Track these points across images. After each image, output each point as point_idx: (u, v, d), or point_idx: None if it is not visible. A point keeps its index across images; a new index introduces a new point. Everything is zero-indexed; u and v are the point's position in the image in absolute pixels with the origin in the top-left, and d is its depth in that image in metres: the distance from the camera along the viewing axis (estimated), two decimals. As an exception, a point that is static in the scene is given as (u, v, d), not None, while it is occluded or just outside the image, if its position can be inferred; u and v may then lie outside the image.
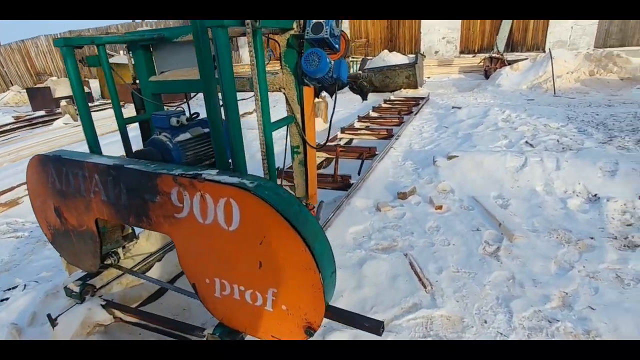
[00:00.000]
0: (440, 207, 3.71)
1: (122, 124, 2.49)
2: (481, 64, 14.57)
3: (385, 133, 6.40)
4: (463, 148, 5.40)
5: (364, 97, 2.59)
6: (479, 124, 6.56)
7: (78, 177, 2.11)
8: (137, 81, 2.64)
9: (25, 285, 2.85)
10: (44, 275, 3.02)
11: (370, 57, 14.37)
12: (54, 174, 2.23)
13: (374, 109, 8.82)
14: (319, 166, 5.54)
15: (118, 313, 2.27)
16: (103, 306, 2.28)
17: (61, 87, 14.20)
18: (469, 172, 4.37)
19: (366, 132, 6.58)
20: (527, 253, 2.90)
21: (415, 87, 12.51)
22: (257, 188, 1.55)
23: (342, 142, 6.50)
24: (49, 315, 2.11)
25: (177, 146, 2.12)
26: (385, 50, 13.75)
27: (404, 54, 14.08)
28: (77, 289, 2.27)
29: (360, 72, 2.95)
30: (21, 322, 2.39)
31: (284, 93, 2.38)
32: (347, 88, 2.73)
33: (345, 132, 6.67)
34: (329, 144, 5.91)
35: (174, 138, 2.13)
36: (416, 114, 8.34)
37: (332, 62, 2.17)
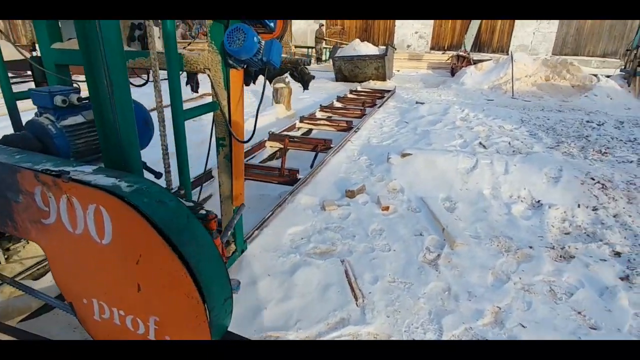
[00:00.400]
0: (386, 208, 3.51)
1: (11, 98, 2.06)
2: (449, 61, 14.56)
3: (345, 125, 6.14)
4: (419, 145, 5.23)
5: (305, 86, 2.29)
6: (438, 122, 6.42)
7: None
8: (37, 47, 2.21)
9: None
10: None
11: (342, 45, 14.02)
12: None
13: (339, 98, 8.54)
14: (272, 157, 5.22)
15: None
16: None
17: None
18: (420, 171, 4.19)
19: (326, 122, 6.29)
20: (466, 262, 2.74)
21: (384, 79, 12.33)
22: (134, 194, 1.23)
23: (299, 132, 6.20)
24: None
25: (62, 132, 1.75)
26: (357, 40, 13.42)
27: (376, 45, 13.82)
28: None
29: (302, 57, 2.69)
30: None
31: (209, 75, 2.03)
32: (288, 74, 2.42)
33: (305, 121, 6.35)
34: (285, 132, 5.60)
35: (59, 122, 1.75)
36: (380, 106, 8.13)
37: (263, 42, 1.84)
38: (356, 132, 5.98)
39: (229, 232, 1.76)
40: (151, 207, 1.21)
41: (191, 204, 1.48)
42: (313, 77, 2.27)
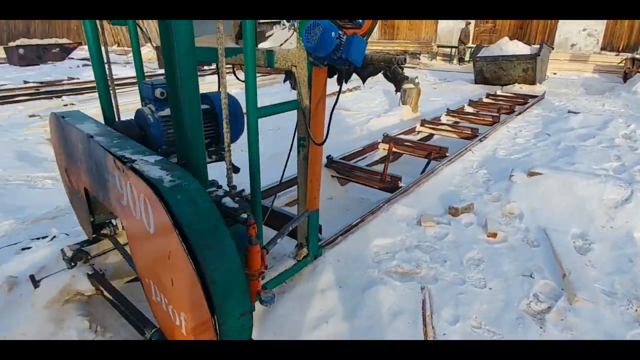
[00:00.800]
0: (494, 235, 2.95)
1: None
2: (621, 64, 11.75)
3: (470, 132, 5.47)
4: (557, 164, 4.29)
5: (397, 87, 2.02)
6: (590, 137, 5.19)
7: (73, 142, 2.03)
8: None
9: (54, 237, 3.00)
10: (77, 229, 3.15)
11: (485, 45, 12.64)
12: (62, 134, 2.20)
13: (471, 102, 7.70)
14: (383, 159, 4.98)
15: (100, 286, 2.19)
16: (88, 276, 2.23)
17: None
18: (551, 196, 3.42)
19: (448, 128, 5.71)
20: (586, 325, 2.08)
21: (533, 82, 10.68)
22: (170, 190, 1.22)
23: (418, 137, 5.78)
24: (31, 277, 2.11)
25: (158, 122, 1.89)
26: (505, 38, 11.88)
27: (529, 44, 12.04)
28: (69, 254, 2.23)
29: (398, 55, 2.32)
30: (23, 275, 2.42)
31: (294, 72, 1.96)
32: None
33: (426, 125, 5.89)
34: (402, 135, 5.28)
35: (157, 112, 1.90)
36: (519, 114, 7.04)
37: (345, 38, 1.66)
38: (481, 141, 5.27)
39: (279, 240, 1.66)
40: (181, 205, 1.18)
41: (235, 205, 1.42)
42: (406, 78, 1.98)
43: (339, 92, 1.85)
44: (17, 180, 4.52)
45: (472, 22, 18.15)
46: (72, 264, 2.24)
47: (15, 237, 3.23)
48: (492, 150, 5.05)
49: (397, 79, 2.00)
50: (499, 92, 9.14)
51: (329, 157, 4.03)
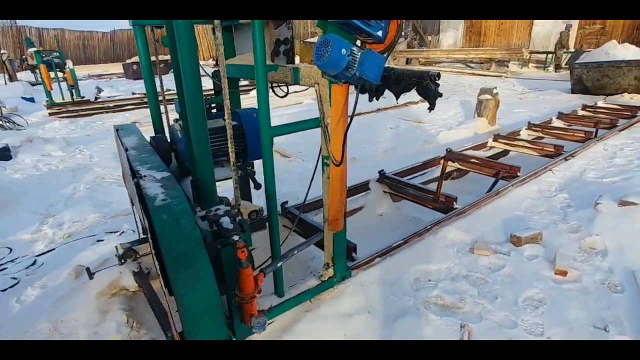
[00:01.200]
0: (563, 273, 2.49)
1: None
2: None
3: (553, 150, 4.78)
4: (664, 192, 3.51)
5: (431, 104, 1.81)
6: None
7: (121, 152, 2.20)
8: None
9: (122, 232, 3.30)
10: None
11: (589, 49, 11.12)
12: (118, 144, 2.40)
13: (561, 115, 6.77)
14: (447, 176, 4.60)
15: (141, 284, 2.33)
16: (134, 273, 2.39)
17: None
18: (647, 232, 2.79)
19: (526, 144, 5.07)
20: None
21: (648, 92, 9.07)
22: (158, 208, 1.22)
23: (491, 152, 5.24)
24: (87, 269, 2.32)
25: (184, 137, 1.94)
26: (613, 41, 10.32)
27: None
28: (120, 251, 2.42)
29: (430, 71, 1.99)
30: (91, 265, 2.66)
31: (317, 90, 1.87)
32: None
33: (499, 140, 5.31)
34: (469, 151, 4.83)
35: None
36: (623, 129, 5.99)
37: (359, 54, 1.53)
38: (567, 159, 4.57)
39: (279, 264, 1.56)
40: (164, 224, 1.16)
41: (230, 226, 1.37)
42: (440, 95, 1.75)
43: (354, 110, 1.69)
44: (110, 179, 5.13)
45: (574, 23, 16.13)
46: (123, 260, 2.42)
47: (96, 229, 3.63)
48: (579, 171, 4.34)
49: (429, 96, 1.79)
50: (600, 103, 7.92)
51: (381, 172, 3.84)
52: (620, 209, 3.05)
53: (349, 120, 1.74)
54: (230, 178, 2.13)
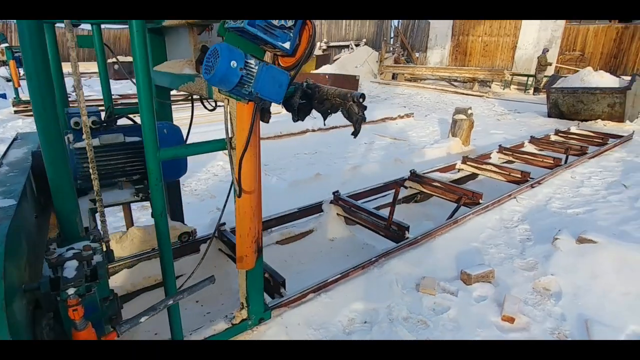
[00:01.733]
0: (510, 320, 2.24)
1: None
2: None
3: (519, 176, 4.60)
4: (626, 228, 3.34)
5: (355, 130, 1.56)
6: (682, 196, 4.04)
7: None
8: None
9: None
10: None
11: (563, 75, 11.21)
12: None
13: (533, 139, 6.65)
14: (411, 199, 4.37)
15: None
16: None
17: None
18: (603, 275, 2.58)
19: (494, 169, 4.89)
20: None
21: (621, 120, 9.12)
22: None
23: (458, 175, 5.04)
24: None
25: (73, 154, 1.64)
26: (589, 68, 10.38)
27: (624, 76, 10.37)
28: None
29: (354, 92, 1.76)
30: None
31: (225, 106, 1.60)
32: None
33: (468, 162, 5.12)
34: (435, 174, 4.62)
35: (74, 143, 1.66)
36: (593, 157, 5.89)
37: (256, 68, 1.26)
38: (533, 187, 4.39)
39: (143, 319, 1.26)
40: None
41: (72, 274, 1.07)
42: (364, 119, 1.50)
43: (251, 130, 1.41)
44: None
45: (554, 49, 16.40)
46: None
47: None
48: (544, 200, 4.17)
49: (352, 118, 1.53)
50: (573, 129, 7.87)
51: (335, 194, 3.57)
52: (578, 246, 2.84)
53: (246, 141, 1.46)
54: (130, 201, 1.85)
